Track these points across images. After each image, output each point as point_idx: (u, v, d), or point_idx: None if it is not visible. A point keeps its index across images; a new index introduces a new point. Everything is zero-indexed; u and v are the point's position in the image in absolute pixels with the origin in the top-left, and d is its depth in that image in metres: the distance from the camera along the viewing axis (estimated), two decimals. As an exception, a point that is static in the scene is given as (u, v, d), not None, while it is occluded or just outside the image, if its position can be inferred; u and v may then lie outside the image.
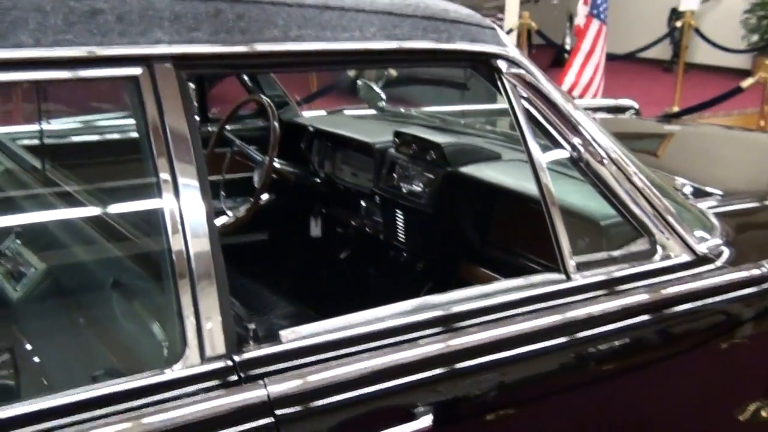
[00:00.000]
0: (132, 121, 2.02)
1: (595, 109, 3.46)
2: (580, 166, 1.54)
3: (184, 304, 1.12)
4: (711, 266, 1.63)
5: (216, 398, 1.11)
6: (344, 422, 1.20)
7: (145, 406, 1.06)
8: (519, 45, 6.94)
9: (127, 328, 1.53)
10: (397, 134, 2.34)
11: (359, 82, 2.82)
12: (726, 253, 1.68)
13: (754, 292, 1.68)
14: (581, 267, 1.48)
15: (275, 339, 1.20)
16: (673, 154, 2.82)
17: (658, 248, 1.59)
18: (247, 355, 1.16)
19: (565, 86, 6.36)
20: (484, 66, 1.48)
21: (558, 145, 1.52)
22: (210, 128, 2.59)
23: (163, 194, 1.13)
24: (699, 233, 1.68)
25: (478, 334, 1.33)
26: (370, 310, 1.29)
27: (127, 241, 1.56)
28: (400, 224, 2.35)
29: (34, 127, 2.32)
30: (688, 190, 2.02)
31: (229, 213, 2.31)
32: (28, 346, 1.51)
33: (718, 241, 1.70)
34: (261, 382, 1.14)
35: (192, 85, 2.56)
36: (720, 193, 2.04)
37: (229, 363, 1.14)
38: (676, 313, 1.57)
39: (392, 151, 2.35)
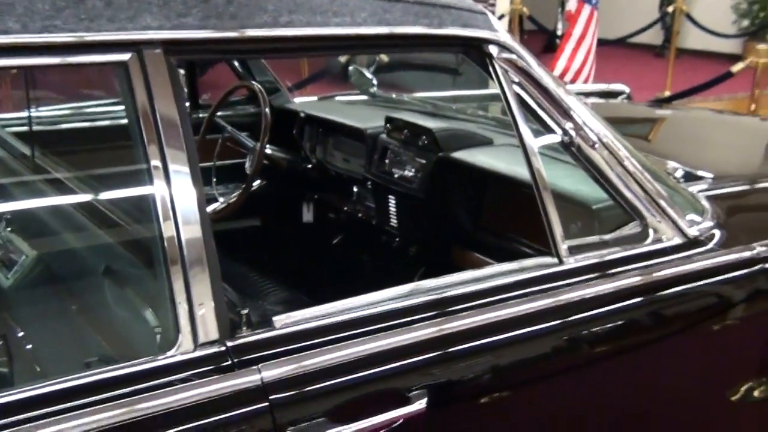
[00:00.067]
0: (122, 107, 2.01)
1: (587, 94, 3.46)
2: (571, 151, 1.54)
3: (177, 291, 1.12)
4: (702, 249, 1.64)
5: (210, 384, 1.11)
6: (338, 407, 1.20)
7: (139, 392, 1.06)
8: (511, 30, 6.91)
9: (120, 314, 1.53)
10: (389, 120, 2.33)
11: (350, 68, 2.81)
12: (717, 235, 1.69)
13: (744, 274, 1.69)
14: (573, 250, 1.48)
15: (268, 324, 1.20)
16: (665, 139, 2.83)
17: (650, 231, 1.59)
18: (240, 341, 1.16)
19: (557, 71, 6.36)
20: (475, 51, 1.47)
21: (550, 130, 1.52)
22: (201, 114, 2.57)
23: (154, 181, 1.13)
24: (690, 216, 1.68)
25: (471, 318, 1.34)
26: (363, 295, 1.29)
27: (119, 228, 1.55)
28: (393, 209, 2.35)
29: (23, 114, 2.30)
30: (679, 173, 2.02)
31: (221, 199, 2.31)
32: (21, 334, 1.51)
33: (709, 223, 1.71)
34: (255, 367, 1.14)
35: (182, 71, 2.55)
36: (711, 176, 2.04)
37: (223, 349, 1.14)
38: (667, 296, 1.58)
39: (384, 136, 2.34)
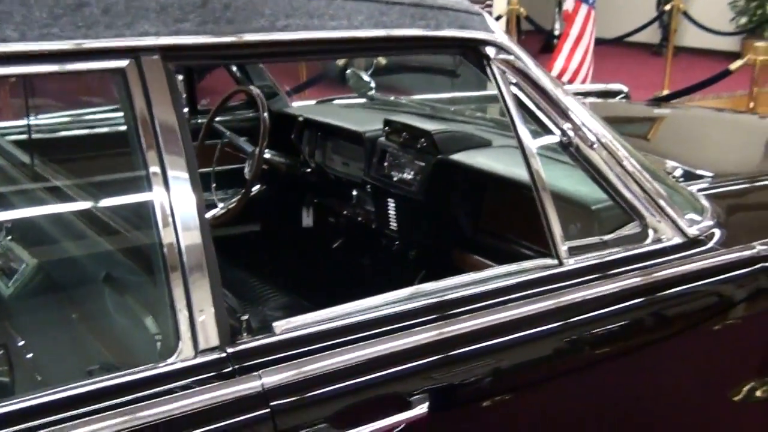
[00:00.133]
0: (120, 114, 2.01)
1: (585, 94, 3.46)
2: (570, 152, 1.54)
3: (177, 297, 1.11)
4: (702, 248, 1.64)
5: (210, 391, 1.10)
6: (340, 412, 1.20)
7: (140, 400, 1.06)
8: (508, 31, 6.92)
9: (120, 322, 1.53)
10: (387, 122, 2.33)
11: (348, 71, 2.81)
12: (717, 234, 1.69)
13: (745, 272, 1.69)
14: (573, 252, 1.48)
15: (269, 330, 1.20)
16: (664, 138, 2.83)
17: (650, 231, 1.59)
18: (241, 347, 1.16)
19: (555, 72, 6.37)
20: (472, 52, 1.47)
21: (548, 131, 1.52)
22: (200, 120, 2.57)
23: (153, 187, 1.12)
24: (690, 216, 1.68)
25: (471, 321, 1.34)
26: (364, 300, 1.29)
27: (118, 235, 1.55)
28: (392, 213, 2.35)
29: (22, 122, 2.30)
30: (678, 173, 2.02)
31: (221, 205, 2.31)
32: (21, 342, 1.51)
33: (709, 223, 1.71)
34: (255, 373, 1.14)
35: (180, 77, 2.55)
36: (710, 175, 2.04)
37: (223, 355, 1.14)
38: (668, 296, 1.57)
39: (382, 139, 2.34)
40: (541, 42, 9.61)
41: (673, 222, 1.61)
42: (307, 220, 2.69)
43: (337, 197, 2.58)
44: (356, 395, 1.22)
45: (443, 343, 1.31)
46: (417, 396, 1.25)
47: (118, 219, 1.58)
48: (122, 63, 1.12)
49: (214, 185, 2.38)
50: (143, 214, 1.18)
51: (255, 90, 2.30)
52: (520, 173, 1.67)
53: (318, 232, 2.68)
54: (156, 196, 1.12)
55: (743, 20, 9.71)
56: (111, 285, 1.55)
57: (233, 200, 2.25)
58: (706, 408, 1.77)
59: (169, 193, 1.12)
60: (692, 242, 1.63)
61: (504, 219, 2.04)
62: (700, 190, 1.90)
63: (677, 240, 1.61)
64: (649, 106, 3.83)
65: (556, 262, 1.46)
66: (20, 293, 1.64)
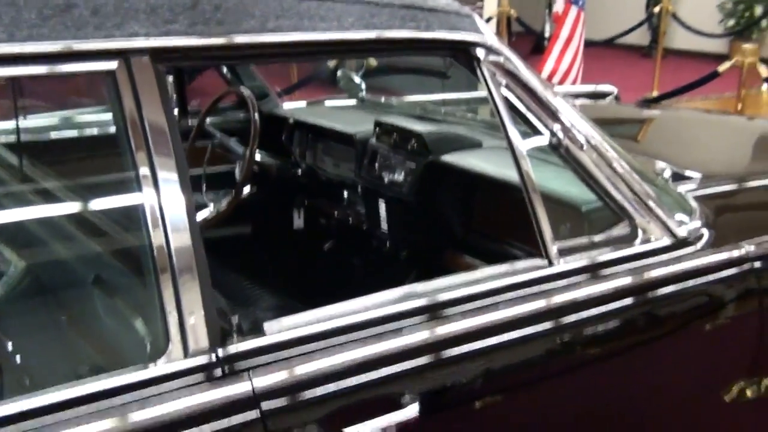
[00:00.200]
0: (110, 115, 2.00)
1: (575, 96, 3.47)
2: (560, 153, 1.54)
3: (167, 299, 1.11)
4: (691, 249, 1.65)
5: (201, 393, 1.10)
6: (331, 413, 1.20)
7: (130, 402, 1.06)
8: (498, 33, 6.94)
9: (110, 324, 1.52)
10: (378, 124, 2.33)
11: (339, 72, 2.81)
12: (706, 235, 1.70)
13: (733, 273, 1.70)
14: (563, 252, 1.48)
15: (259, 332, 1.20)
16: (653, 139, 2.84)
17: (639, 232, 1.60)
18: (231, 349, 1.15)
19: (545, 73, 6.39)
20: (463, 54, 1.47)
21: (538, 132, 1.53)
22: (190, 121, 2.57)
23: (143, 189, 1.12)
24: (679, 216, 1.69)
25: (463, 322, 1.34)
26: (355, 300, 1.28)
27: (108, 237, 1.54)
28: (383, 214, 2.35)
29: (11, 123, 2.29)
30: (667, 174, 2.03)
31: (211, 206, 2.30)
32: (10, 345, 1.50)
33: (697, 223, 1.72)
34: (246, 375, 1.14)
35: (170, 78, 2.54)
36: (699, 176, 2.05)
37: (213, 357, 1.13)
38: (658, 296, 1.58)
39: (373, 141, 2.34)
40: (532, 44, 9.65)
41: (662, 223, 1.62)
42: (298, 221, 2.68)
43: (328, 199, 2.58)
44: (347, 397, 1.22)
45: (434, 344, 1.31)
46: (408, 397, 1.25)
47: (108, 221, 1.57)
48: (112, 64, 1.12)
49: (204, 187, 2.37)
50: (133, 216, 1.18)
51: (246, 91, 2.29)
52: (510, 174, 1.68)
53: (309, 234, 2.68)
54: (146, 197, 1.12)
55: (731, 22, 9.78)
56: (100, 287, 1.54)
57: (224, 202, 2.24)
58: (696, 408, 1.78)
59: (159, 194, 1.12)
60: (681, 243, 1.64)
61: (494, 220, 2.04)
62: (688, 191, 1.91)
63: (666, 241, 1.62)
64: (639, 107, 3.85)
65: (546, 262, 1.46)
66: (9, 296, 1.63)
